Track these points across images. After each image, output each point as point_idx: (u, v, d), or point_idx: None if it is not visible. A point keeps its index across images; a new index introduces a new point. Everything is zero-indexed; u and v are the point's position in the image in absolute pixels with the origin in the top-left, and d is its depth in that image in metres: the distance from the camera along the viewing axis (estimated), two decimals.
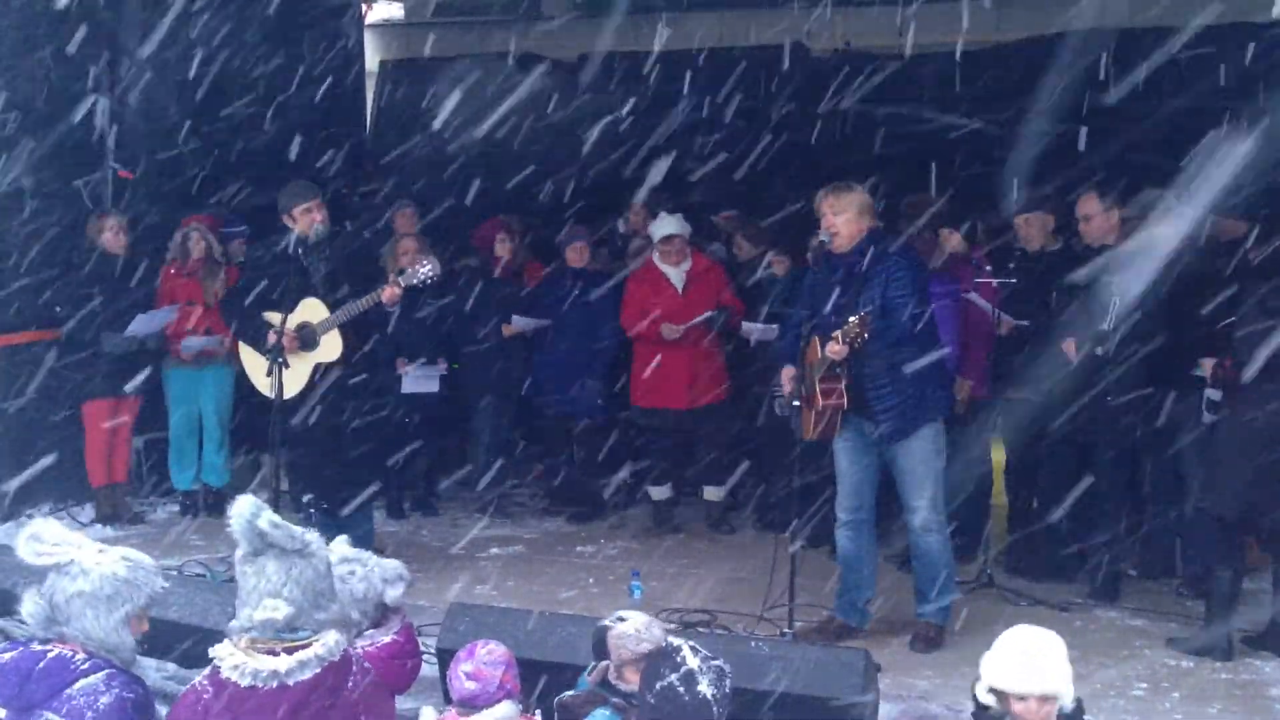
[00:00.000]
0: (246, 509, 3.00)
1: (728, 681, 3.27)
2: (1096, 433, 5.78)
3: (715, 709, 3.20)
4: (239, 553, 3.05)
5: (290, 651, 2.94)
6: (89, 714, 2.95)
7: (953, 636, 5.39)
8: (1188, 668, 5.11)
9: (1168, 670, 5.08)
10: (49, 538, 3.14)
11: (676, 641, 3.34)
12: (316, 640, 2.98)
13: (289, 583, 2.98)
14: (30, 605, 3.12)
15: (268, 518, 3.00)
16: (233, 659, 2.94)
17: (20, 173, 7.32)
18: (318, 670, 2.94)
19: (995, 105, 8.58)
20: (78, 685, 2.99)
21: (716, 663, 3.27)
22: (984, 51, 9.04)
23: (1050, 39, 8.77)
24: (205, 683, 3.03)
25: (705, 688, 3.19)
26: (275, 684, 2.90)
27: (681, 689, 3.18)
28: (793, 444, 5.41)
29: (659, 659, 3.31)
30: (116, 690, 3.01)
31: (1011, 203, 6.39)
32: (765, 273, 7.18)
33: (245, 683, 2.91)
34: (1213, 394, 5.55)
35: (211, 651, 2.99)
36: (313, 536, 3.10)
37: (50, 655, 3.04)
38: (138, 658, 4.50)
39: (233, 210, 8.13)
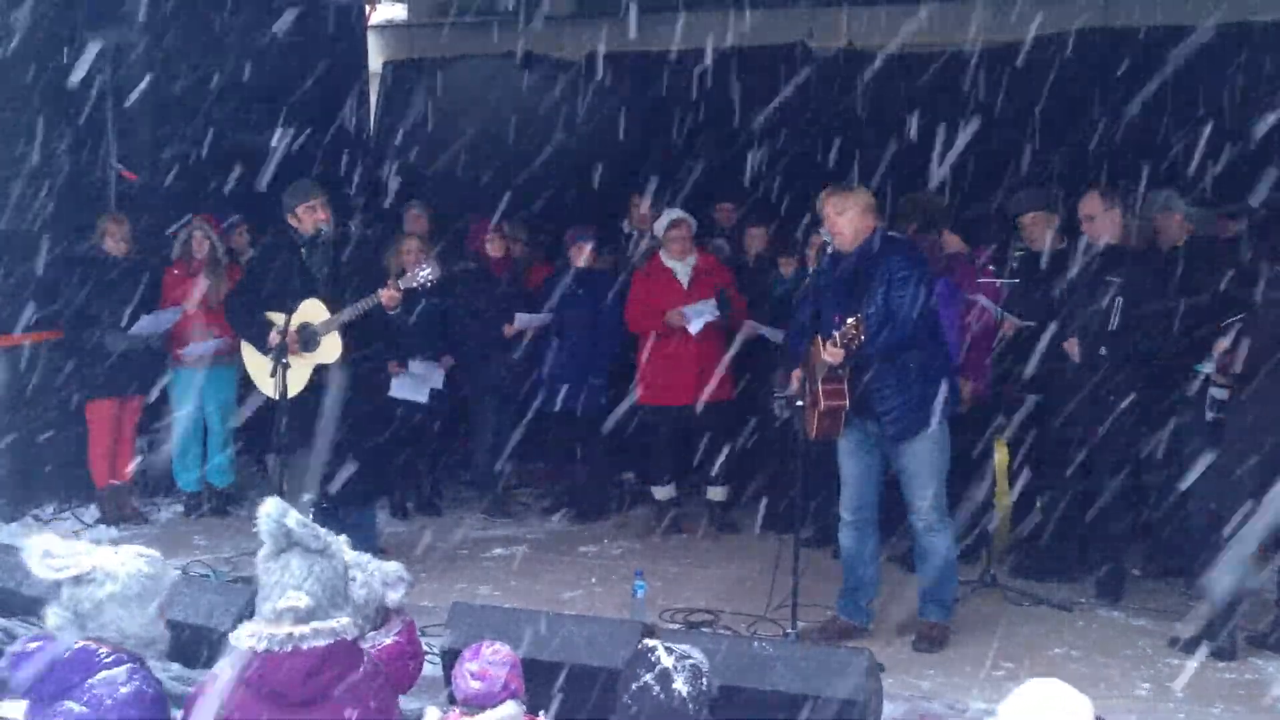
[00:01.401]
0: (275, 509, 3.12)
1: (704, 679, 3.28)
2: (1099, 432, 5.77)
3: (691, 706, 3.20)
4: (262, 552, 3.16)
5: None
6: (108, 702, 3.01)
7: (956, 636, 5.39)
8: (1191, 667, 5.10)
9: (1171, 670, 5.08)
10: (59, 551, 3.18)
11: (651, 642, 3.36)
12: (332, 619, 3.10)
13: (310, 578, 3.09)
14: (54, 619, 3.17)
15: (295, 517, 3.12)
16: (250, 629, 3.06)
17: (23, 173, 7.33)
18: (331, 641, 3.04)
19: (999, 105, 8.57)
20: (99, 676, 3.05)
21: (692, 660, 3.28)
22: (987, 51, 9.02)
23: (1055, 38, 8.76)
24: (223, 664, 3.14)
25: (680, 685, 3.20)
26: (290, 648, 3.00)
27: (657, 688, 3.20)
28: (797, 444, 5.41)
29: (634, 661, 3.32)
30: (137, 683, 3.07)
31: (1016, 202, 6.39)
32: (773, 273, 7.22)
33: (261, 647, 3.01)
34: (1217, 392, 5.55)
35: (231, 636, 3.10)
36: (334, 539, 3.22)
37: (76, 646, 3.10)
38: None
39: (235, 210, 8.14)
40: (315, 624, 3.05)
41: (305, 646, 3.02)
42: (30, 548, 3.17)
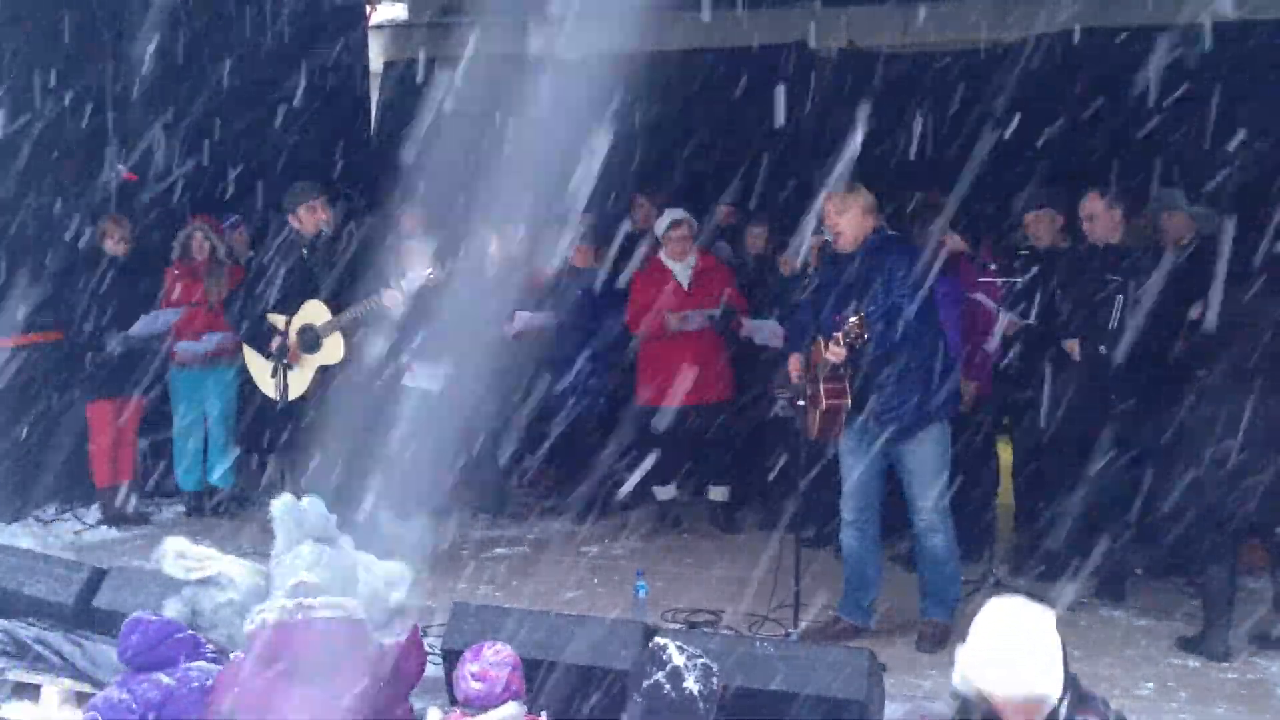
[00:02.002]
0: (287, 501, 3.39)
1: (715, 679, 3.28)
2: (1101, 431, 5.76)
3: (702, 705, 3.20)
4: (275, 550, 3.38)
5: None
6: (195, 684, 3.26)
7: (958, 636, 5.38)
8: (1194, 668, 5.10)
9: (1174, 670, 5.08)
10: (192, 555, 3.48)
11: (663, 640, 3.35)
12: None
13: (321, 564, 3.31)
14: (173, 612, 3.45)
15: (308, 499, 3.39)
16: (260, 607, 3.26)
17: (24, 175, 7.33)
18: (340, 614, 3.23)
19: (1000, 104, 8.56)
20: (198, 663, 3.31)
21: (703, 660, 3.27)
22: (987, 50, 9.03)
23: (1056, 37, 8.75)
24: (240, 652, 3.33)
25: (691, 684, 3.20)
26: (300, 616, 3.19)
27: (667, 687, 3.19)
28: (798, 444, 5.41)
29: (646, 659, 3.31)
30: None
31: (1020, 201, 6.37)
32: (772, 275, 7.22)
33: (273, 619, 3.19)
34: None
35: (245, 622, 3.29)
36: (342, 535, 3.47)
37: (189, 632, 3.37)
38: None
39: (235, 211, 8.14)
40: (324, 599, 3.22)
41: (314, 616, 3.20)
42: (166, 547, 3.49)
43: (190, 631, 3.33)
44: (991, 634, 2.84)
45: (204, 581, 3.41)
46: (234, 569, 3.41)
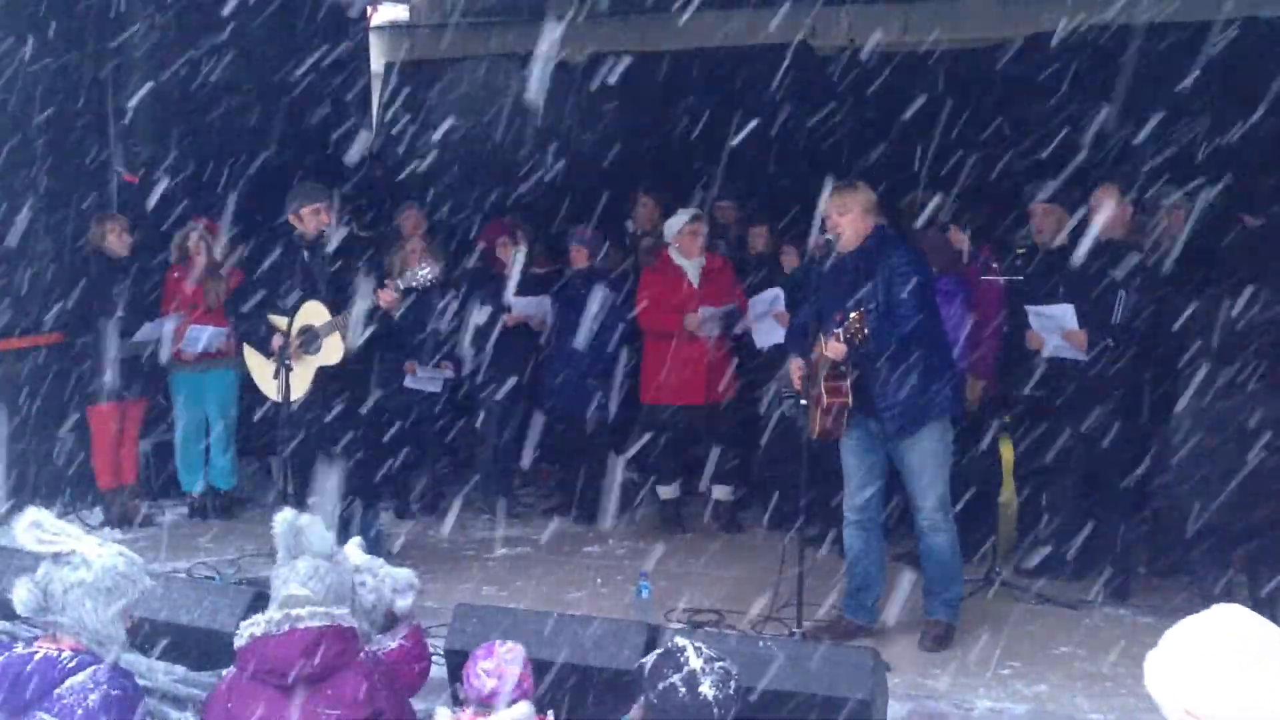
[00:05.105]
0: (288, 516, 3.32)
1: (733, 682, 3.22)
2: (1104, 428, 5.75)
3: (717, 710, 3.14)
4: (276, 564, 3.34)
5: None
6: (79, 711, 2.99)
7: (962, 635, 5.38)
8: None
9: None
10: (49, 526, 3.17)
11: (681, 641, 3.31)
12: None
13: (315, 578, 3.26)
14: (23, 593, 3.13)
15: (307, 518, 3.35)
16: (249, 620, 3.22)
17: (24, 176, 7.33)
18: (327, 623, 3.17)
19: (1001, 103, 8.55)
20: (66, 684, 3.02)
21: (722, 664, 3.22)
22: (988, 49, 9.02)
23: (1054, 35, 8.74)
24: (232, 666, 3.28)
25: (707, 689, 3.14)
26: (286, 628, 3.13)
27: (683, 690, 3.14)
28: (801, 443, 5.40)
29: (663, 659, 3.28)
30: (104, 686, 3.04)
31: (1029, 190, 6.36)
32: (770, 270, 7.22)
33: (259, 632, 3.14)
34: None
35: (235, 639, 3.24)
36: (343, 550, 3.44)
37: (37, 657, 3.07)
38: (149, 661, 4.54)
39: (238, 213, 8.13)
40: (311, 608, 3.17)
41: (301, 626, 3.14)
42: (23, 516, 3.15)
43: (38, 654, 3.05)
44: (1243, 674, 2.18)
45: (57, 558, 3.12)
46: (90, 548, 3.14)
